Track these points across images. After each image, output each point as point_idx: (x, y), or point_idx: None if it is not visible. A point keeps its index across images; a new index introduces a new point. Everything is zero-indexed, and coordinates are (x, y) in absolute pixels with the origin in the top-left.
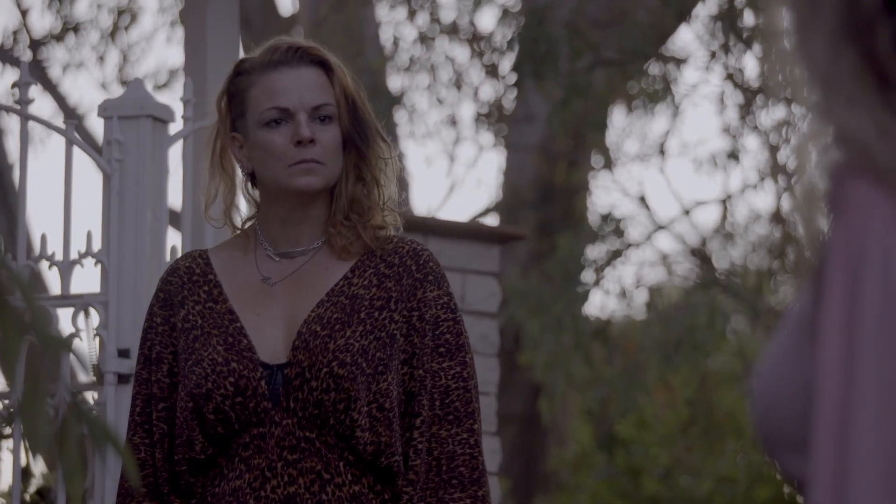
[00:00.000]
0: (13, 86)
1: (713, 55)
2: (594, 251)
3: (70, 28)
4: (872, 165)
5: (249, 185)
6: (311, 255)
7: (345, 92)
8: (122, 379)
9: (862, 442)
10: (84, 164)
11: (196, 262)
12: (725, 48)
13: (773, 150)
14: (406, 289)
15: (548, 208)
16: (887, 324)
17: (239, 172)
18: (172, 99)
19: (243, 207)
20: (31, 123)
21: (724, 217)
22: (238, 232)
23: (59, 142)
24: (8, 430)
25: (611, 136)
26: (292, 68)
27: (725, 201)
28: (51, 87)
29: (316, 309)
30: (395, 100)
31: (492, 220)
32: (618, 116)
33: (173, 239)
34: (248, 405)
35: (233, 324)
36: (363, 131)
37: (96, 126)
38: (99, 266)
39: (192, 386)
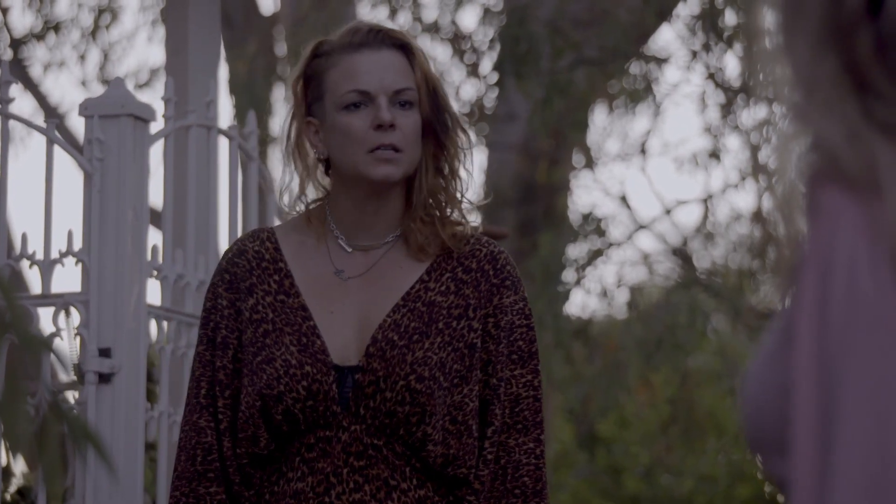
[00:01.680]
0: None
1: (694, 55)
2: (575, 250)
3: (51, 27)
4: (842, 172)
5: (321, 172)
6: (385, 249)
7: (426, 77)
8: (102, 378)
9: (839, 444)
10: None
11: (265, 245)
12: (706, 47)
13: (755, 149)
14: (483, 294)
15: (529, 207)
16: (853, 328)
17: (312, 158)
18: (153, 98)
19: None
20: (11, 122)
21: (706, 217)
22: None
23: (39, 141)
24: None
25: (592, 136)
26: (374, 51)
27: (706, 201)
28: (31, 86)
29: (392, 314)
30: None
31: (473, 219)
32: (599, 116)
33: (154, 238)
34: (318, 408)
35: (306, 322)
36: (443, 119)
37: (77, 125)
38: (80, 265)
39: (262, 385)
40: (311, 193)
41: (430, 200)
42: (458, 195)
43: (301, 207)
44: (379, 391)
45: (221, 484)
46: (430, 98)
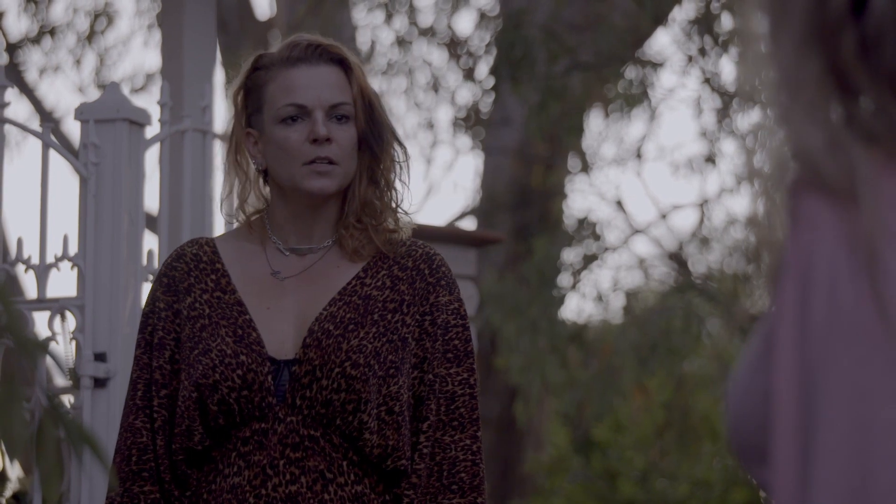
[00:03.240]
0: None
1: (690, 59)
2: (571, 255)
3: (46, 31)
4: (822, 180)
5: (261, 181)
6: (321, 253)
7: (362, 92)
8: (98, 383)
9: (818, 455)
10: (60, 168)
11: (203, 249)
12: (702, 52)
13: (749, 154)
14: (419, 292)
15: (524, 212)
16: (832, 337)
17: (252, 168)
18: (149, 102)
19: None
20: (7, 126)
21: (701, 221)
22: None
23: (35, 145)
24: None
25: (587, 140)
26: (311, 65)
27: (702, 205)
28: (27, 91)
29: (328, 307)
30: None
31: (469, 224)
32: (595, 120)
33: (150, 242)
34: (253, 399)
35: (242, 316)
36: (379, 132)
37: (73, 129)
38: (75, 270)
39: (197, 376)
40: (253, 201)
41: (365, 209)
42: (393, 205)
43: (241, 217)
44: (315, 380)
45: (155, 483)
46: (366, 112)
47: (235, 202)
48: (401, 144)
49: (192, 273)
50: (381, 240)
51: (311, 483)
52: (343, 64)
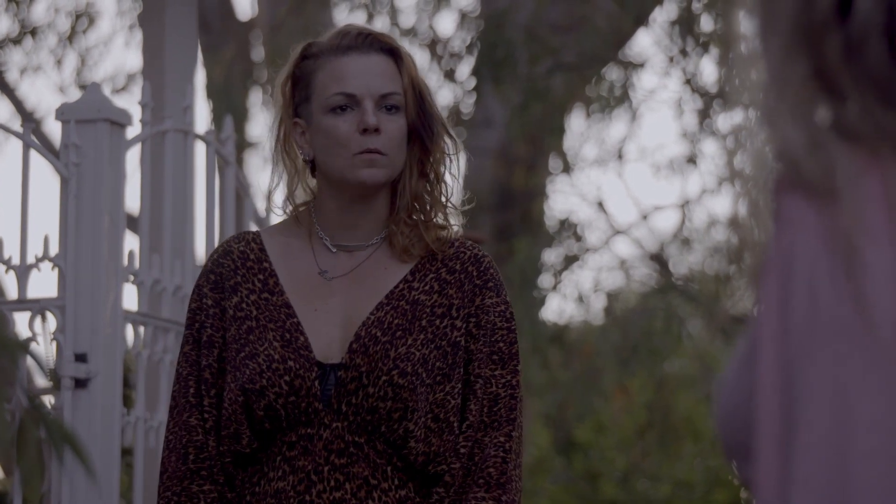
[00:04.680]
0: None
1: (671, 60)
2: (552, 256)
3: (27, 31)
4: (802, 180)
5: (308, 172)
6: (370, 251)
7: (413, 83)
8: (79, 383)
9: (798, 451)
10: (41, 168)
11: (250, 245)
12: (683, 53)
13: (731, 154)
14: (467, 295)
15: (506, 213)
16: (812, 335)
17: (300, 159)
18: (130, 103)
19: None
20: None
21: (682, 222)
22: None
23: (16, 145)
24: None
25: (569, 141)
26: (362, 54)
27: (683, 206)
28: (8, 91)
29: (376, 312)
30: None
31: (457, 223)
32: (576, 121)
33: (131, 243)
34: (300, 405)
35: (289, 319)
36: (429, 124)
37: (54, 130)
38: (56, 270)
39: (244, 380)
40: (300, 194)
41: (415, 204)
42: (443, 199)
43: (289, 209)
44: (361, 387)
45: (213, 482)
46: (417, 103)
47: (283, 193)
48: (451, 137)
49: (239, 271)
50: (431, 237)
51: (356, 490)
52: (394, 54)
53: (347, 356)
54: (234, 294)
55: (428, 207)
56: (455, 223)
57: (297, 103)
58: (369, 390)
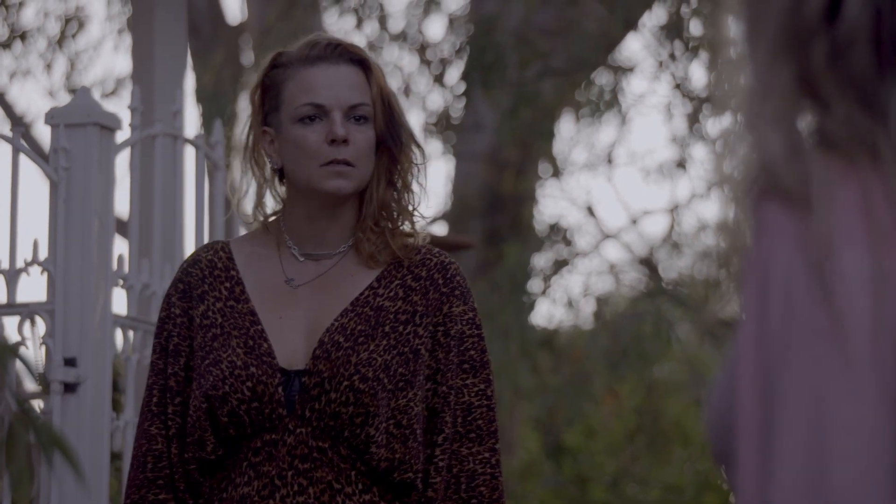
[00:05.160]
0: None
1: (661, 64)
2: (541, 260)
3: (17, 35)
4: (779, 187)
5: (277, 181)
6: (337, 259)
7: (382, 93)
8: (68, 388)
9: (776, 454)
10: (31, 172)
11: (218, 255)
12: (673, 57)
13: (720, 159)
14: (432, 303)
15: (495, 217)
16: (788, 340)
17: (268, 167)
18: (120, 107)
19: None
20: None
21: (672, 227)
22: (260, 226)
23: (5, 149)
24: None
25: (558, 146)
26: (331, 65)
27: (673, 211)
28: None
29: (340, 318)
30: None
31: (440, 229)
32: (566, 125)
33: (120, 247)
34: (263, 411)
35: (254, 326)
36: (397, 134)
37: (43, 134)
38: (45, 274)
39: (208, 387)
40: (269, 201)
41: (382, 212)
42: (410, 207)
43: (260, 217)
44: (324, 392)
45: (171, 491)
46: (385, 113)
47: (252, 202)
48: (419, 146)
49: (207, 280)
50: (397, 244)
51: (319, 494)
52: (363, 64)
53: (311, 362)
54: (202, 302)
55: (395, 215)
56: (423, 231)
57: (267, 112)
58: (331, 395)
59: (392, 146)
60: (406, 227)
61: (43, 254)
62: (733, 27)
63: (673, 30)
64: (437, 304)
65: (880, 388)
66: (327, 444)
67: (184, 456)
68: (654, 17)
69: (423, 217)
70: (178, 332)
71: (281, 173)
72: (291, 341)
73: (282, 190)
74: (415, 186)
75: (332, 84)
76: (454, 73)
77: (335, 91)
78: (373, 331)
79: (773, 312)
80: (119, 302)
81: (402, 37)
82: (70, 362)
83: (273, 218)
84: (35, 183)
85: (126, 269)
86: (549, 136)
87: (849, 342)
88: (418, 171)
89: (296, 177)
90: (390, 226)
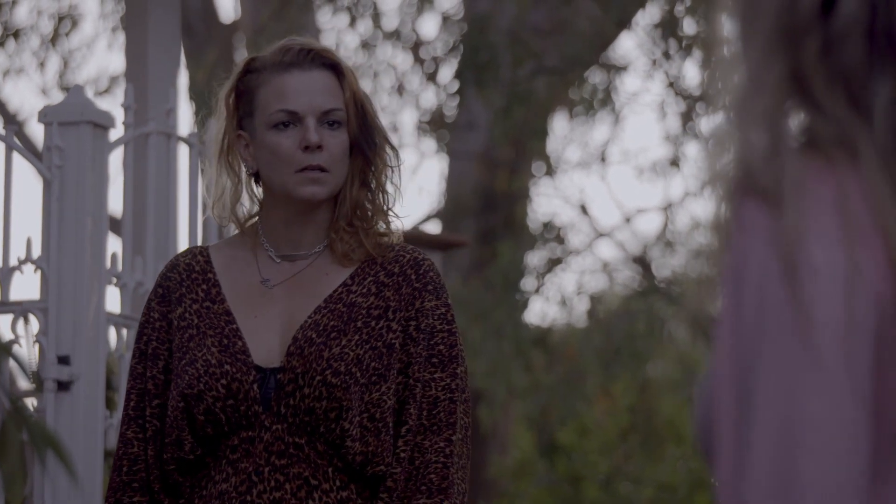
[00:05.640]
0: None
1: (654, 63)
2: (535, 259)
3: (10, 33)
4: (756, 185)
5: (253, 183)
6: (312, 259)
7: (355, 97)
8: (61, 386)
9: (750, 448)
10: (24, 170)
11: (196, 259)
12: (666, 55)
13: (712, 157)
14: (405, 298)
15: (489, 216)
16: (761, 336)
17: (243, 171)
18: (113, 105)
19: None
20: None
21: (665, 225)
22: (240, 230)
23: None
24: None
25: (552, 144)
26: (304, 71)
27: (666, 209)
28: None
29: (313, 315)
30: None
31: (433, 228)
32: (559, 124)
33: (113, 245)
34: (239, 408)
35: (228, 325)
36: (371, 137)
37: (36, 132)
38: (38, 272)
39: (183, 386)
40: (247, 203)
41: (357, 212)
42: (385, 208)
43: (234, 220)
44: (298, 388)
45: (145, 493)
46: (359, 117)
47: (227, 205)
48: (392, 148)
49: (185, 283)
50: (371, 243)
51: (296, 489)
52: (336, 69)
53: (285, 359)
54: (179, 305)
55: (370, 215)
56: (396, 231)
57: (241, 116)
58: (305, 391)
59: (366, 149)
60: (381, 226)
61: (36, 252)
62: (727, 25)
63: (666, 28)
64: (410, 298)
65: (852, 384)
66: (304, 439)
67: (163, 457)
68: (647, 16)
69: (397, 216)
70: (156, 336)
71: (257, 176)
72: (267, 340)
73: (258, 191)
74: (389, 187)
75: (305, 90)
76: (447, 72)
77: (308, 97)
78: (345, 326)
79: (747, 309)
80: (112, 300)
81: (395, 35)
82: (63, 360)
83: (250, 222)
84: (28, 181)
85: (119, 267)
86: (543, 134)
87: (818, 338)
88: (392, 171)
89: (271, 182)
90: (364, 225)
